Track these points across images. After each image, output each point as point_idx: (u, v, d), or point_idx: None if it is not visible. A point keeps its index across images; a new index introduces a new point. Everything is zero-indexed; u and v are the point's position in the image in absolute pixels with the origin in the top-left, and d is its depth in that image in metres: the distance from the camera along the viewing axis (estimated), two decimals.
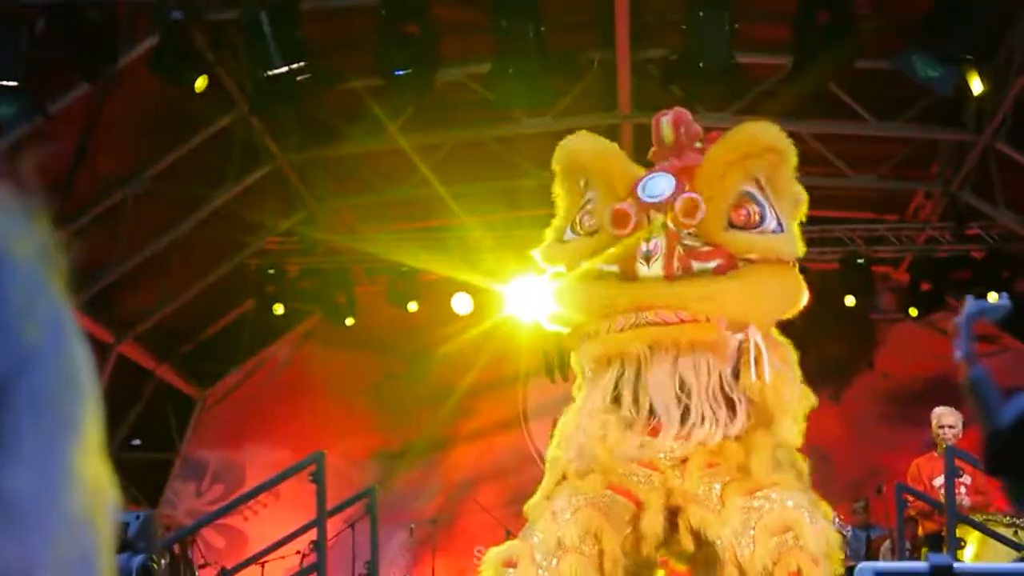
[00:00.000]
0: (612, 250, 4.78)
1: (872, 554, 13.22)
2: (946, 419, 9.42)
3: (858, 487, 14.24)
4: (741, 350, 4.68)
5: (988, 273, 14.25)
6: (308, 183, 14.12)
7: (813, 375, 16.81)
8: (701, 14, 10.19)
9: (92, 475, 0.98)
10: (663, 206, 4.67)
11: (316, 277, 15.17)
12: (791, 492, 4.64)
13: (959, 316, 3.07)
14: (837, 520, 13.62)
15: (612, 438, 4.70)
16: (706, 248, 4.63)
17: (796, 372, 4.96)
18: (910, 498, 9.36)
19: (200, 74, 10.45)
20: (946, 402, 9.48)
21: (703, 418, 4.70)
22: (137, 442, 15.76)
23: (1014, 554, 8.34)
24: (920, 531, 9.87)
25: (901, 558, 9.47)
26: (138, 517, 3.74)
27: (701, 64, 10.45)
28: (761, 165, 4.82)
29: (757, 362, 4.61)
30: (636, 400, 4.75)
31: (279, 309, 14.84)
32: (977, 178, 13.53)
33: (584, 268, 4.90)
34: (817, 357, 15.60)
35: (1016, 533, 8.64)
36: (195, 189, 12.90)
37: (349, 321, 15.33)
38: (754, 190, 4.80)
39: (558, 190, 5.26)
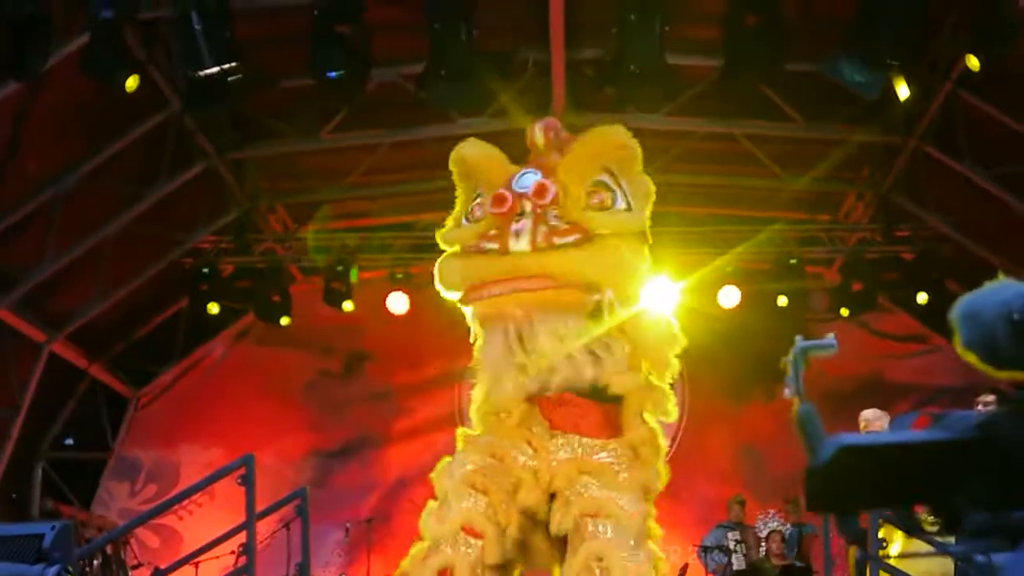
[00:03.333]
0: (492, 229, 5.64)
1: (804, 550, 13.36)
2: (873, 423, 9.48)
3: (790, 485, 14.34)
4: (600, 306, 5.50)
5: (918, 274, 14.40)
6: (242, 182, 14.06)
7: (746, 374, 16.93)
8: (632, 17, 10.21)
9: None
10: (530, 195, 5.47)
11: (251, 276, 15.05)
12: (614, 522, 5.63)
13: (789, 356, 3.30)
14: (776, 518, 13.84)
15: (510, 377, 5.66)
16: (566, 226, 5.42)
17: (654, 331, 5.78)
18: None
19: (131, 73, 10.36)
20: (876, 403, 9.55)
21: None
22: (70, 441, 15.64)
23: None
24: None
25: (827, 558, 9.56)
26: (53, 528, 3.74)
27: (633, 67, 10.49)
28: (611, 158, 5.67)
29: (610, 313, 5.44)
30: (525, 351, 5.62)
31: (213, 308, 14.72)
32: (907, 180, 13.69)
33: (470, 244, 5.73)
34: (750, 357, 15.76)
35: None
36: (128, 187, 12.79)
37: (284, 320, 15.22)
38: (607, 179, 5.63)
39: (457, 187, 6.11)
